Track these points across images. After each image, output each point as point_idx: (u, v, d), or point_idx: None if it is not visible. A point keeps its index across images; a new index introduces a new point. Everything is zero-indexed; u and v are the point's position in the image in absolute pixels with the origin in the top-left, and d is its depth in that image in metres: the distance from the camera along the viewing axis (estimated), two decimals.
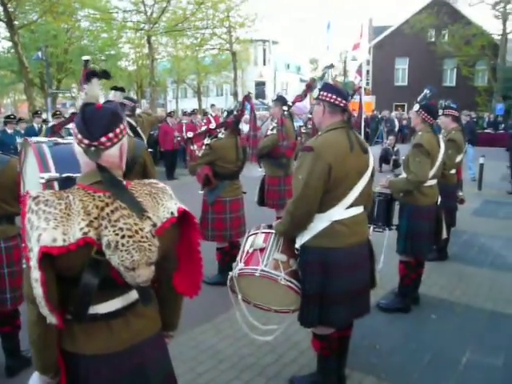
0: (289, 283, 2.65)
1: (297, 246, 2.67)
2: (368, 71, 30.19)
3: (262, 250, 2.79)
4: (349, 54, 26.74)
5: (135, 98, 18.38)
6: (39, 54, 16.94)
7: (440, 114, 5.21)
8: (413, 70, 28.85)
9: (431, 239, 3.97)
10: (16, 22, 15.27)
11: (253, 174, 5.59)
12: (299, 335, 3.54)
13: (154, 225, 1.43)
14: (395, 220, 4.10)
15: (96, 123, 1.43)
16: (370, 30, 31.19)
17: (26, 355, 3.10)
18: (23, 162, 2.33)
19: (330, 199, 2.54)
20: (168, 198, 1.55)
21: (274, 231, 2.81)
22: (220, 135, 4.47)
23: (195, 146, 4.07)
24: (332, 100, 2.61)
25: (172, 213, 1.50)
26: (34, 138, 2.24)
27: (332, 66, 2.79)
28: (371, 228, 3.94)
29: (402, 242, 3.96)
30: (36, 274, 1.29)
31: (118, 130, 1.46)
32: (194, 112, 13.93)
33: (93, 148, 1.42)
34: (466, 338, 3.64)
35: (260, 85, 38.41)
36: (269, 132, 5.38)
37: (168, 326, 1.78)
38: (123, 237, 1.32)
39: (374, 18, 35.51)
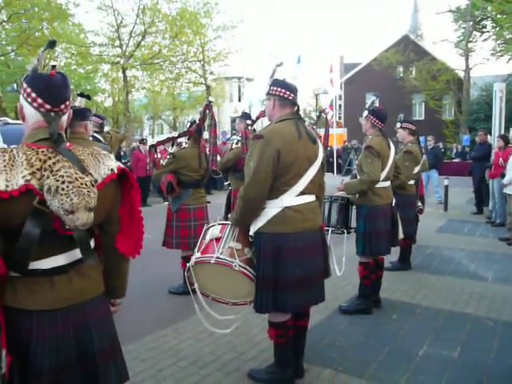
0: (243, 269, 2.72)
1: (251, 233, 2.75)
2: (340, 105, 31.22)
3: (218, 239, 2.87)
4: (318, 89, 27.68)
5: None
6: (14, 85, 16.98)
7: (398, 126, 5.48)
8: (383, 104, 29.67)
9: (389, 238, 4.09)
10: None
11: None
12: (261, 336, 3.56)
13: (95, 181, 1.51)
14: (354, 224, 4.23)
15: (56, 90, 1.54)
16: (341, 66, 32.49)
17: None
18: None
19: (280, 185, 2.65)
20: (108, 159, 1.63)
21: (229, 222, 2.90)
22: (184, 144, 4.58)
23: (159, 154, 4.15)
24: (281, 94, 2.76)
25: (112, 169, 1.59)
26: None
27: (281, 63, 2.94)
28: (329, 231, 4.06)
29: (361, 242, 4.07)
30: None
31: (70, 99, 1.60)
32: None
33: (53, 113, 1.53)
34: (424, 333, 3.71)
35: (235, 120, 39.03)
36: (233, 146, 5.52)
37: (114, 291, 1.83)
38: (63, 182, 1.38)
39: (345, 56, 36.89)
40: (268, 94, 2.83)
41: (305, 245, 2.70)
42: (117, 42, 18.73)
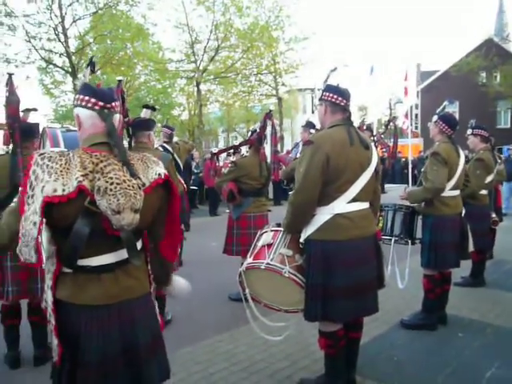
0: (293, 276, 2.70)
1: (301, 240, 2.74)
2: (416, 115, 30.05)
3: (269, 245, 2.89)
4: (395, 98, 26.81)
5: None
6: None
7: (469, 133, 5.18)
8: (463, 113, 28.34)
9: (457, 251, 3.85)
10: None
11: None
12: (316, 345, 3.47)
13: (143, 184, 1.60)
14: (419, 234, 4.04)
15: (104, 93, 1.70)
16: (418, 74, 31.30)
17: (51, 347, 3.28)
18: (42, 146, 2.64)
19: (331, 191, 2.61)
20: (156, 165, 1.74)
21: (282, 229, 2.90)
22: (245, 153, 4.67)
23: (221, 163, 4.27)
24: (333, 100, 2.74)
25: (159, 174, 1.69)
26: (51, 126, 2.56)
27: (335, 69, 2.93)
28: (392, 241, 3.92)
29: (426, 254, 3.87)
30: (36, 218, 1.47)
31: (118, 102, 1.74)
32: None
33: (106, 110, 1.67)
34: (493, 354, 3.43)
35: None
36: (298, 155, 5.53)
37: (161, 283, 1.96)
38: (112, 184, 1.49)
39: (422, 63, 35.56)
40: (320, 99, 2.82)
41: (356, 253, 2.63)
42: (192, 58, 19.52)
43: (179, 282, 2.06)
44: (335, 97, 2.73)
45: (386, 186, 18.10)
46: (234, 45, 19.75)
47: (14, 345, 3.39)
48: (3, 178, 3.17)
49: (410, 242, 3.96)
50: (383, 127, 7.18)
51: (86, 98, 1.67)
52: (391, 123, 6.61)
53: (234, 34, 19.26)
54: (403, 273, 3.91)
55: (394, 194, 5.24)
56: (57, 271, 1.61)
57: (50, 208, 1.50)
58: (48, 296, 1.66)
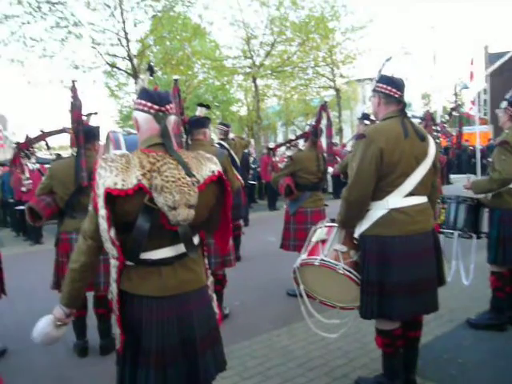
0: (348, 273, 2.66)
1: (355, 235, 2.68)
2: (485, 100, 28.40)
3: (323, 241, 2.86)
4: (460, 84, 25.44)
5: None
6: None
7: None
8: None
9: None
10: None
11: None
12: (374, 343, 3.40)
13: (198, 181, 1.67)
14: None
15: (159, 96, 1.79)
16: (486, 57, 29.52)
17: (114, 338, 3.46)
18: (107, 150, 2.77)
19: (385, 185, 2.53)
20: (210, 161, 1.81)
21: (336, 225, 2.86)
22: (301, 147, 4.64)
23: (277, 158, 4.28)
24: (387, 91, 2.65)
25: (213, 171, 1.76)
26: (115, 130, 2.68)
27: (390, 58, 2.82)
28: (455, 235, 3.75)
29: (493, 250, 3.65)
30: (103, 212, 1.59)
31: (173, 105, 1.83)
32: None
33: (161, 113, 1.76)
34: None
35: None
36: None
37: None
38: (168, 181, 1.58)
39: (490, 45, 33.46)
40: (374, 90, 2.74)
41: (414, 249, 2.54)
42: (248, 54, 19.67)
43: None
44: (389, 88, 2.64)
45: (452, 176, 17.29)
46: (290, 38, 19.66)
47: (81, 335, 3.62)
48: (69, 179, 3.37)
49: (474, 235, 3.76)
50: (446, 116, 6.85)
51: (143, 102, 1.77)
52: (454, 111, 6.28)
53: (290, 27, 19.18)
54: (468, 268, 3.72)
55: (460, 185, 5.00)
56: (121, 265, 1.71)
57: (112, 204, 1.61)
58: (113, 288, 1.77)
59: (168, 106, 1.78)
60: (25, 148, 4.69)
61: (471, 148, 20.40)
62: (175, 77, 3.79)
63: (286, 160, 4.67)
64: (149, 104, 1.76)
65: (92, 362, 3.51)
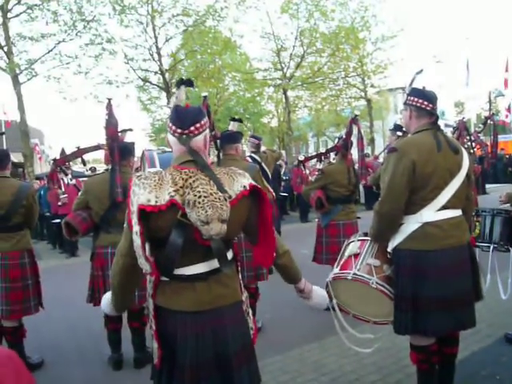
0: (381, 287, 2.63)
1: (389, 249, 2.66)
2: None
3: (356, 255, 2.84)
4: (494, 91, 24.77)
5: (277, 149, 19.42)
6: None
7: None
8: None
9: None
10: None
11: None
12: (409, 359, 3.34)
13: (230, 197, 1.69)
14: None
15: (186, 116, 1.81)
16: None
17: (150, 351, 3.50)
18: (142, 168, 2.86)
19: (419, 199, 2.51)
20: (242, 177, 1.81)
21: (368, 238, 2.84)
22: (332, 160, 4.64)
23: (307, 171, 4.29)
24: (418, 104, 2.63)
25: (244, 186, 1.77)
26: (150, 149, 2.76)
27: (421, 71, 2.80)
28: (491, 248, 3.65)
29: None
30: (136, 228, 1.62)
31: (202, 122, 1.82)
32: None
33: (184, 136, 1.79)
34: None
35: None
36: None
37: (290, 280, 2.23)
38: (200, 197, 1.60)
39: None
40: (405, 103, 2.73)
41: (448, 263, 2.49)
42: (278, 66, 19.81)
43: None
44: (420, 101, 2.62)
45: (488, 186, 16.78)
46: (320, 49, 19.70)
47: (116, 348, 3.68)
48: (104, 194, 3.47)
49: (511, 249, 3.66)
50: (481, 125, 6.70)
51: (170, 124, 1.82)
52: (489, 120, 6.15)
53: (320, 38, 19.21)
54: (506, 283, 3.62)
55: (496, 195, 4.86)
56: (156, 280, 1.75)
57: (146, 220, 1.64)
58: (149, 303, 1.81)
59: (193, 128, 1.78)
60: (61, 164, 4.85)
61: (507, 156, 19.81)
62: (204, 94, 3.87)
63: (317, 173, 4.67)
64: (173, 127, 1.80)
65: (127, 375, 3.56)
